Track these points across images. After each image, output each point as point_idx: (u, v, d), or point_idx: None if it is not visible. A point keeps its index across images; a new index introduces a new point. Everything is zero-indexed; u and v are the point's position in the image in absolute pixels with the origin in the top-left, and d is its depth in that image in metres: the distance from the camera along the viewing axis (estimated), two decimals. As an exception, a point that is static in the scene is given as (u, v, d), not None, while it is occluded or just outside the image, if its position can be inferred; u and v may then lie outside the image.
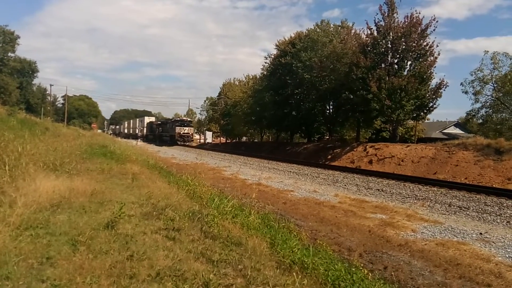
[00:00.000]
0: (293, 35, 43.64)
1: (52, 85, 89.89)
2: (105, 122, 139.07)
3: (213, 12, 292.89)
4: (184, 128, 56.80)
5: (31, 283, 3.51)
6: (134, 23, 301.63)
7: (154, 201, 7.10)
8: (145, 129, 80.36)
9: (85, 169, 10.23)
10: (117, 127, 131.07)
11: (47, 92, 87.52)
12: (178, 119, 61.48)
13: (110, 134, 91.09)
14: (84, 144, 17.14)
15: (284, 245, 5.85)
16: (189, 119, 61.25)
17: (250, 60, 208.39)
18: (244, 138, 71.79)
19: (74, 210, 5.98)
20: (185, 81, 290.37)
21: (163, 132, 64.09)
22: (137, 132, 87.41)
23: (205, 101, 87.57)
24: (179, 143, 54.71)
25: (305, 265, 5.07)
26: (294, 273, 4.36)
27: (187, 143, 55.82)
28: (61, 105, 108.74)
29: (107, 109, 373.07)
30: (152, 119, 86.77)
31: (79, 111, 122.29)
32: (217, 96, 75.85)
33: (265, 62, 49.13)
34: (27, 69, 77.23)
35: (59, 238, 4.66)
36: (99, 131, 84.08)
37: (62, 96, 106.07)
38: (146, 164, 14.73)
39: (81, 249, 4.33)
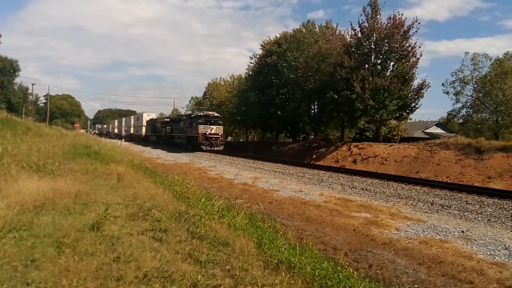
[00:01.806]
0: (278, 35, 43.86)
1: (34, 84, 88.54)
2: (88, 122, 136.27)
3: (198, 12, 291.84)
4: (211, 126, 37.84)
5: (16, 286, 3.45)
6: (119, 22, 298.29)
7: (140, 202, 7.03)
8: (143, 128, 65.58)
9: (69, 170, 10.08)
10: (105, 126, 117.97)
11: (29, 91, 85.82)
12: (202, 113, 40.71)
13: (94, 134, 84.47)
14: (67, 144, 16.87)
15: (271, 245, 5.88)
16: (216, 114, 40.82)
17: (236, 60, 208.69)
18: (229, 138, 71.64)
19: (58, 211, 5.88)
20: (170, 80, 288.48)
21: (175, 133, 47.18)
22: (131, 132, 73.97)
23: (190, 101, 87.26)
24: (204, 148, 36.63)
25: (292, 265, 5.10)
26: (282, 273, 4.39)
27: (215, 148, 37.16)
28: (43, 104, 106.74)
29: (91, 109, 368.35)
30: (153, 115, 69.64)
31: (62, 111, 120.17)
32: (202, 96, 75.54)
33: (251, 62, 49.24)
34: (8, 68, 75.53)
35: (43, 240, 4.58)
36: (82, 131, 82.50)
37: (44, 96, 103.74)
38: (131, 165, 14.58)
39: (66, 251, 4.27)
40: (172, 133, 48.31)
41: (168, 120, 53.99)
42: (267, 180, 18.06)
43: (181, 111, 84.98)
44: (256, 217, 8.45)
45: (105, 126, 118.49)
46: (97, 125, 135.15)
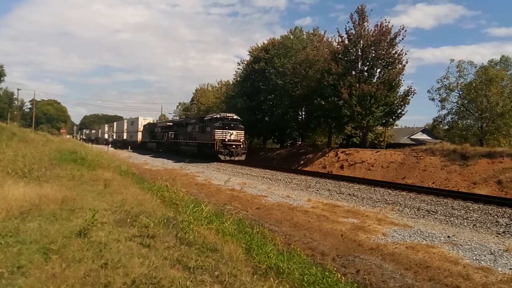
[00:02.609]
0: (266, 42, 44.07)
1: (20, 89, 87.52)
2: (75, 127, 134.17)
3: (186, 18, 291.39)
4: (230, 131, 31.13)
5: (2, 294, 3.41)
6: (106, 28, 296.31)
7: (128, 207, 6.99)
8: (139, 134, 59.18)
9: (55, 176, 9.97)
10: (93, 132, 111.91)
11: (14, 96, 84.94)
12: (218, 115, 33.68)
13: (80, 139, 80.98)
14: (53, 150, 16.68)
15: (260, 251, 5.89)
16: (236, 116, 33.42)
17: (224, 66, 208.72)
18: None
19: (45, 217, 5.81)
20: (157, 86, 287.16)
21: (180, 139, 40.65)
22: (125, 138, 67.32)
23: (177, 106, 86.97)
24: (222, 157, 30.19)
25: (281, 270, 5.12)
26: (270, 278, 4.40)
27: (236, 158, 30.62)
28: (28, 109, 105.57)
29: (77, 114, 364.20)
30: (150, 119, 63.25)
31: (48, 116, 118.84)
32: (190, 101, 75.39)
33: (238, 68, 49.35)
34: (-7, 73, 74.51)
35: (30, 246, 4.53)
36: (69, 136, 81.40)
37: (29, 101, 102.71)
38: (118, 170, 14.46)
39: (53, 257, 4.22)
40: (177, 139, 42.01)
41: (171, 124, 47.58)
42: (255, 186, 18.07)
43: (169, 117, 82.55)
44: (245, 223, 8.46)
45: (93, 131, 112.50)
46: (84, 131, 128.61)
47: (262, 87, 39.82)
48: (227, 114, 33.21)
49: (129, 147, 59.28)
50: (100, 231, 5.30)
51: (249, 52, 46.17)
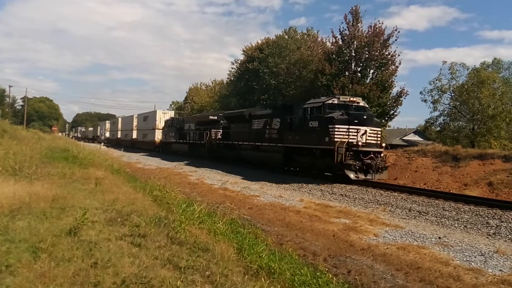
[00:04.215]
0: (260, 41, 44.06)
1: (12, 86, 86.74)
2: (67, 125, 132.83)
3: (181, 17, 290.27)
4: (362, 128, 17.69)
5: (-11, 293, 3.37)
6: (100, 25, 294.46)
7: (119, 206, 6.95)
8: (156, 132, 45.72)
9: (46, 174, 9.89)
10: (90, 129, 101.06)
11: (6, 93, 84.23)
12: (335, 100, 18.85)
13: (73, 137, 78.30)
14: (44, 147, 16.56)
15: (251, 251, 5.88)
16: (363, 103, 19.77)
17: (218, 65, 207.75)
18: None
19: (35, 216, 5.76)
20: (151, 84, 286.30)
21: (241, 140, 26.56)
22: (134, 137, 54.79)
23: (170, 105, 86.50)
24: (351, 175, 16.95)
25: (272, 270, 5.12)
26: (262, 279, 4.39)
27: (376, 177, 17.42)
28: (20, 107, 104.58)
29: (69, 112, 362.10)
30: (172, 113, 49.88)
31: (40, 114, 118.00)
32: (183, 100, 75.11)
33: (232, 68, 49.30)
34: (-15, 70, 73.84)
35: (18, 245, 4.49)
36: (60, 134, 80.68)
37: (21, 98, 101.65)
38: (110, 169, 14.38)
39: (42, 256, 4.19)
40: (231, 140, 28.27)
41: (215, 118, 32.37)
42: (247, 186, 18.04)
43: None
44: (237, 222, 8.44)
45: (90, 129, 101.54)
46: (79, 128, 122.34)
47: (256, 87, 39.82)
48: (351, 98, 19.43)
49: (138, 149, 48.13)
50: (91, 230, 5.27)
51: (243, 51, 46.19)
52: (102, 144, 52.29)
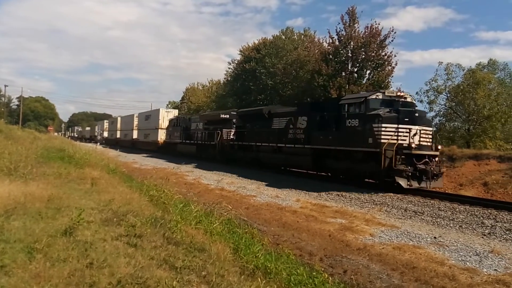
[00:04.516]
0: (257, 41, 44.05)
1: (7, 86, 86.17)
2: (63, 125, 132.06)
3: (178, 17, 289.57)
4: (414, 128, 15.33)
5: (-16, 293, 3.35)
6: (96, 25, 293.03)
7: (115, 207, 6.93)
8: (159, 132, 43.84)
9: (42, 174, 9.85)
10: (87, 129, 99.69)
11: (1, 92, 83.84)
12: (379, 95, 16.48)
13: (69, 137, 76.03)
14: (40, 147, 16.50)
15: (248, 251, 5.89)
16: (410, 99, 17.49)
17: (215, 65, 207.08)
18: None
19: (30, 216, 5.74)
20: (147, 84, 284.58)
21: (259, 141, 24.15)
22: (134, 137, 53.49)
23: (167, 105, 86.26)
24: (403, 183, 14.67)
25: (268, 270, 5.12)
26: (258, 279, 4.40)
27: (431, 185, 15.02)
28: (16, 106, 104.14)
29: (65, 112, 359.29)
30: (175, 112, 47.90)
31: (35, 113, 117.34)
32: (180, 100, 74.96)
33: (229, 68, 49.27)
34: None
35: (13, 245, 4.46)
36: (56, 134, 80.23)
37: (17, 97, 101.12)
38: (106, 169, 14.34)
39: (37, 256, 4.17)
40: (246, 141, 25.90)
41: (226, 117, 29.81)
42: (244, 186, 18.05)
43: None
44: (233, 222, 8.44)
45: (87, 128, 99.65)
46: (76, 128, 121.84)
47: (252, 87, 39.81)
48: (398, 93, 17.27)
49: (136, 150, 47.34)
50: (86, 230, 5.25)
51: (240, 51, 46.17)
52: (98, 144, 52.14)
